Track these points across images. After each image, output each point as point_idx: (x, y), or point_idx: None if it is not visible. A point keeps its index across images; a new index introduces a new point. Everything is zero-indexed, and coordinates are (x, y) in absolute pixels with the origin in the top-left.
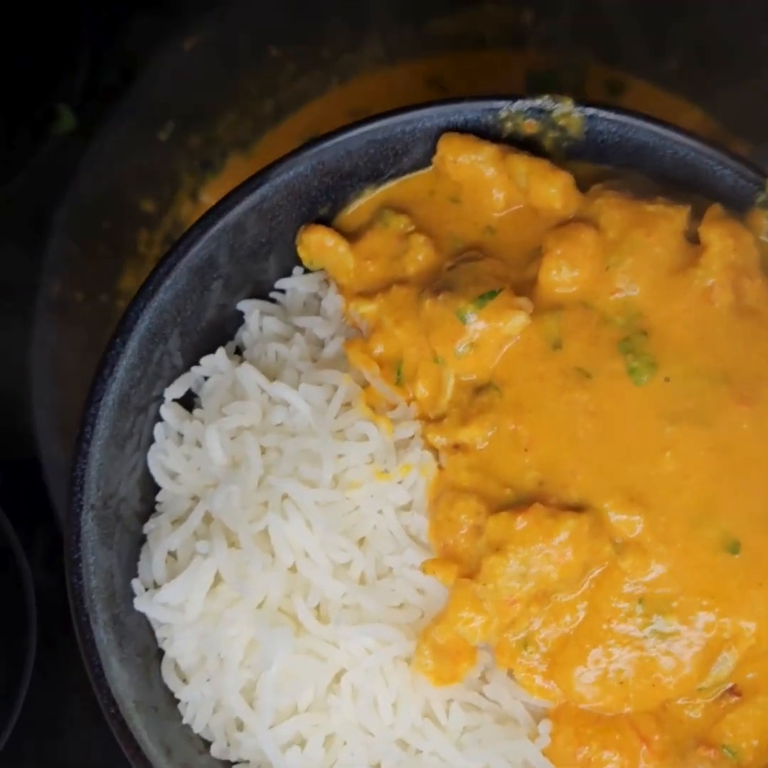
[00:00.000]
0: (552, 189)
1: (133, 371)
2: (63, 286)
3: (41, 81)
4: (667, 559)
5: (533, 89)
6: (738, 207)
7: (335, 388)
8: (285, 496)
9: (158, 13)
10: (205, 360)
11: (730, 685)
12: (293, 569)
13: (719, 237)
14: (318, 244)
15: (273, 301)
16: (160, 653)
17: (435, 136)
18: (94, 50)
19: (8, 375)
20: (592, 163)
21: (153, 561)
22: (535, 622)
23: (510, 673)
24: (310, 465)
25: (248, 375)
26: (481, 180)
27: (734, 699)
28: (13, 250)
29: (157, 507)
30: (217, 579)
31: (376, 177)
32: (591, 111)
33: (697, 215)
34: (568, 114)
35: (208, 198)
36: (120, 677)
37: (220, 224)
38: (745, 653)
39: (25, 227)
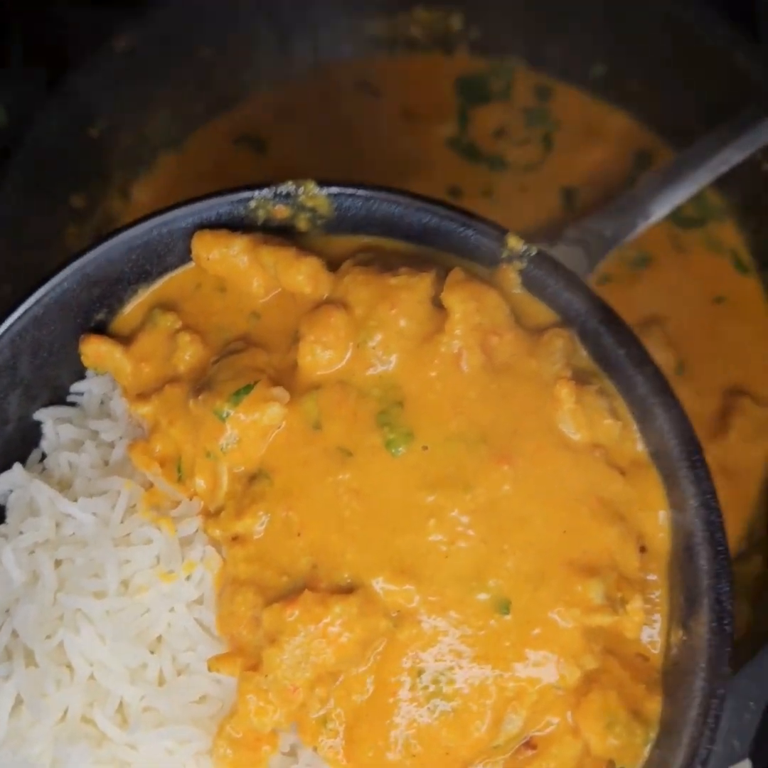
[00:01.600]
0: (299, 276)
1: None
2: None
3: None
4: (442, 628)
5: (463, 92)
6: (489, 263)
7: (119, 493)
8: (78, 609)
9: (90, 11)
10: (3, 476)
11: (524, 738)
12: (93, 678)
13: (460, 301)
14: (95, 353)
15: (73, 404)
16: None
17: (192, 233)
18: (26, 47)
19: None
20: (352, 235)
21: None
22: (329, 701)
23: (315, 751)
24: (97, 576)
25: (39, 490)
26: (239, 270)
27: (530, 752)
28: None
29: None
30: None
31: (146, 278)
32: (334, 190)
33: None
34: (313, 195)
35: (139, 194)
36: None
37: None
38: (531, 708)
39: None
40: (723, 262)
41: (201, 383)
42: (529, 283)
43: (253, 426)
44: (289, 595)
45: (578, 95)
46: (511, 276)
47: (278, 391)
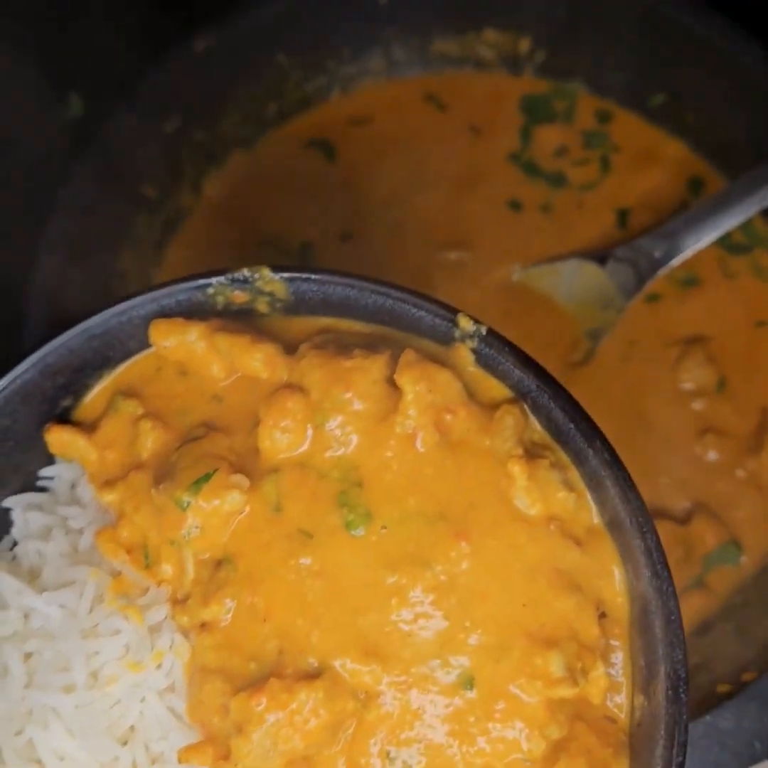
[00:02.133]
0: (255, 362)
1: None
2: (61, 262)
3: (54, 68)
4: (410, 706)
5: (527, 111)
6: (444, 342)
7: (85, 583)
8: (46, 705)
9: (173, 11)
10: None
11: None
12: None
13: (411, 382)
14: (59, 442)
15: (44, 488)
16: None
17: (152, 319)
18: (107, 42)
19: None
20: (311, 316)
21: None
22: None
23: None
24: (65, 670)
25: (5, 583)
26: (197, 356)
27: None
28: (14, 227)
29: None
30: None
31: (108, 363)
32: (288, 275)
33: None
34: (269, 281)
35: (210, 189)
36: None
37: None
38: None
39: (27, 205)
40: (767, 287)
41: (162, 471)
42: (482, 360)
43: (215, 513)
44: (256, 682)
45: (637, 121)
46: (464, 354)
47: (238, 478)
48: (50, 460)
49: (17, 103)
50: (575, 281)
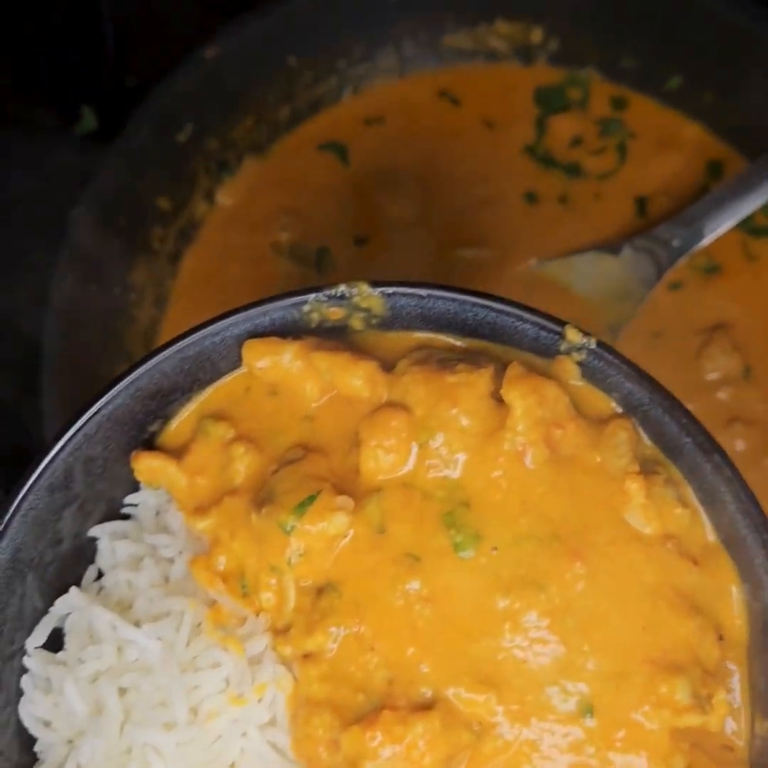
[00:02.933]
0: (356, 381)
1: None
2: (77, 278)
3: (66, 82)
4: (526, 737)
5: (541, 101)
6: (547, 355)
7: (183, 614)
8: (146, 743)
9: (182, 19)
10: (60, 601)
11: None
12: None
13: (520, 396)
14: (148, 469)
15: (127, 516)
16: None
17: (244, 339)
18: (117, 54)
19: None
20: (405, 331)
21: None
22: None
23: None
24: (164, 706)
25: (98, 616)
26: (291, 376)
27: None
28: (30, 243)
29: (38, 755)
30: None
31: (198, 386)
32: (386, 290)
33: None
34: (366, 296)
35: (223, 198)
36: None
37: (47, 473)
38: None
39: (43, 221)
40: None
41: (262, 496)
42: (588, 373)
43: (320, 537)
44: (368, 715)
45: (653, 106)
46: (569, 367)
47: (342, 500)
48: (134, 487)
49: (30, 118)
50: (593, 274)
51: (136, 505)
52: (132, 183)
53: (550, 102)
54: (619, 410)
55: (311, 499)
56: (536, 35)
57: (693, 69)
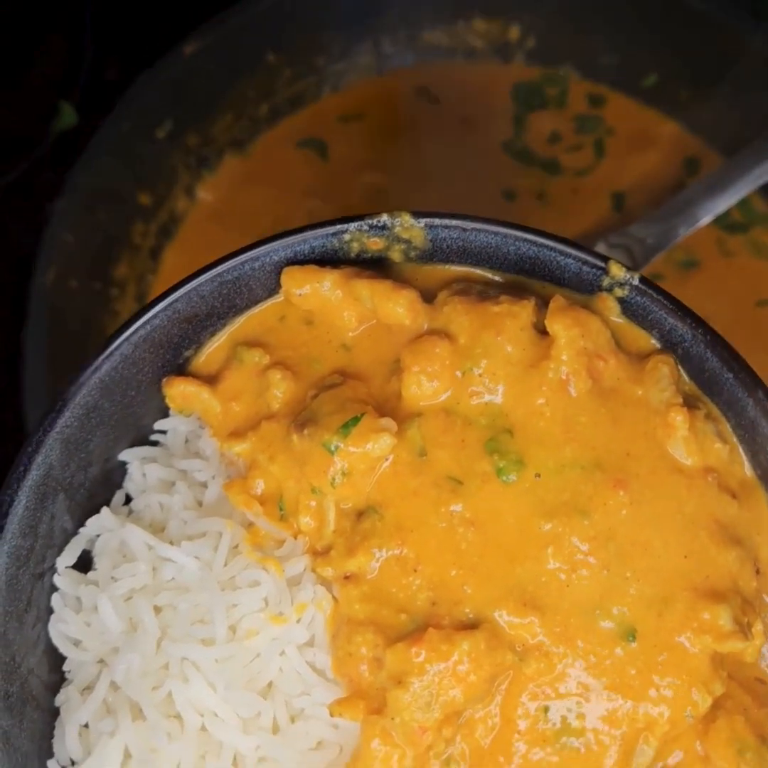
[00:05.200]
0: (398, 308)
1: (19, 549)
2: (58, 273)
3: (46, 79)
4: (568, 659)
5: (519, 99)
6: (587, 291)
7: (220, 534)
8: (184, 658)
9: (160, 17)
10: (91, 521)
11: None
12: (204, 729)
13: (565, 327)
14: (181, 394)
15: (156, 442)
16: None
17: (283, 266)
18: (97, 51)
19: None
20: (443, 264)
21: (66, 737)
22: (455, 740)
23: None
24: (203, 622)
25: (133, 534)
26: (330, 304)
27: None
28: (9, 240)
29: (66, 675)
30: (129, 753)
31: (234, 312)
32: (429, 221)
33: (545, 305)
34: (408, 227)
35: (204, 194)
36: None
37: (83, 391)
38: (662, 738)
39: (23, 217)
40: (767, 266)
41: (303, 417)
42: (628, 310)
43: (363, 458)
44: (412, 633)
45: (630, 103)
46: (610, 304)
47: (386, 422)
48: (164, 413)
49: (8, 114)
50: None
51: (164, 433)
52: (112, 178)
53: (528, 99)
54: (658, 347)
55: (355, 420)
56: (514, 33)
57: (669, 67)
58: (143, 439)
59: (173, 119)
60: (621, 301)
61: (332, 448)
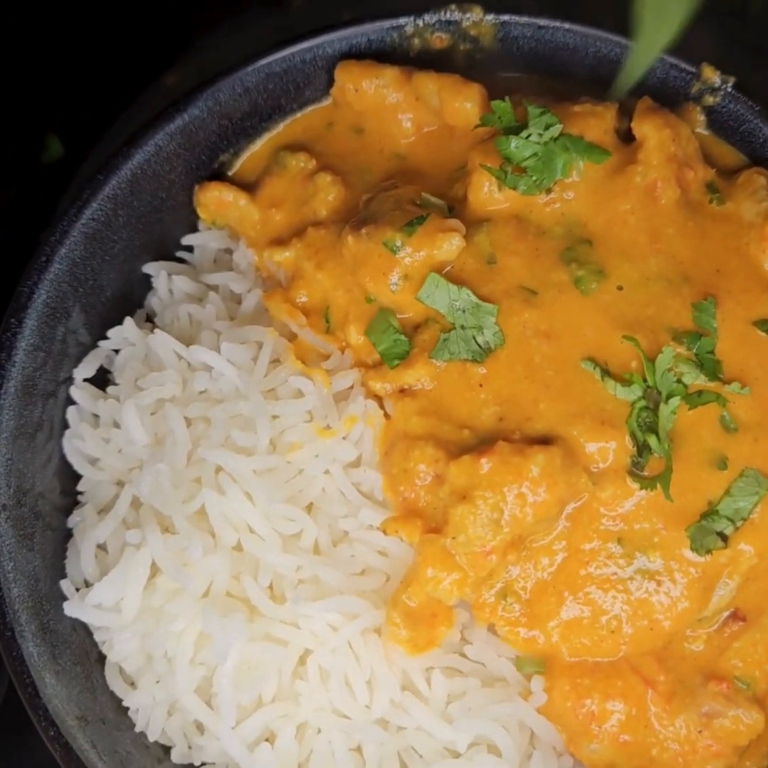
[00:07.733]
0: (467, 103)
1: (35, 353)
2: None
3: (32, 113)
4: (647, 487)
5: None
6: (669, 103)
7: (260, 344)
8: (219, 469)
9: (142, 50)
10: (113, 332)
11: (731, 610)
12: (238, 548)
13: (655, 129)
14: (216, 201)
15: (181, 260)
16: (102, 657)
17: (336, 61)
18: (81, 85)
19: None
20: (502, 73)
21: (81, 557)
22: (511, 570)
23: (491, 629)
24: (243, 431)
25: (162, 343)
26: (386, 106)
27: (738, 624)
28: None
29: (80, 497)
30: (154, 570)
31: (278, 113)
32: (503, 17)
33: (624, 115)
34: (479, 23)
35: None
36: (57, 693)
37: (113, 182)
38: (746, 574)
39: (7, 252)
40: None
41: (360, 218)
42: (715, 123)
43: (427, 261)
44: (479, 446)
45: None
46: (695, 116)
47: (455, 222)
48: (192, 228)
49: None
50: None
51: (191, 251)
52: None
53: None
54: (747, 162)
55: (421, 219)
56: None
57: None
58: (168, 256)
59: None
60: (709, 111)
61: (395, 248)
